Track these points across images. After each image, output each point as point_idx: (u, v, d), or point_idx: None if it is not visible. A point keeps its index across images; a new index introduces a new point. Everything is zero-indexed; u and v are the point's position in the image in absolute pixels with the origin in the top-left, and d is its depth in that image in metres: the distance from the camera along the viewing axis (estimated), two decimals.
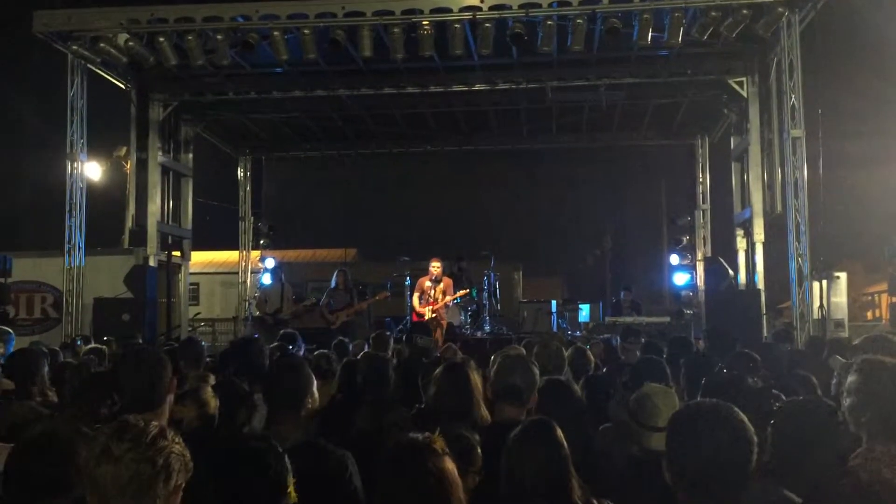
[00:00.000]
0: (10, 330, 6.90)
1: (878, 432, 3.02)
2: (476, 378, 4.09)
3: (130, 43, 12.18)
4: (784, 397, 4.04)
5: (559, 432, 3.03)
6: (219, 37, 12.03)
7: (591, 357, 6.60)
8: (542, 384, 4.11)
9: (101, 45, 12.19)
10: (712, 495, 2.33)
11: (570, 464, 2.97)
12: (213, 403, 3.99)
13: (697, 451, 2.36)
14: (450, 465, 2.34)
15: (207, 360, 6.19)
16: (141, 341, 10.49)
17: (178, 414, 3.77)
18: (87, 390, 4.07)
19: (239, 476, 2.40)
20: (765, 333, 12.08)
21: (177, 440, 2.18)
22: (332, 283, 13.42)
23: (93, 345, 8.10)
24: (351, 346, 8.61)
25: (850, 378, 3.28)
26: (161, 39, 12.10)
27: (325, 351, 7.02)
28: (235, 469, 2.43)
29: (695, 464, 2.36)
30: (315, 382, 3.89)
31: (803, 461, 3.20)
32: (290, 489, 2.46)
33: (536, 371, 4.09)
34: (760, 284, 13.04)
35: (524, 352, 5.50)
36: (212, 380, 4.93)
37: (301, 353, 7.68)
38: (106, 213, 16.08)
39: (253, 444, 2.54)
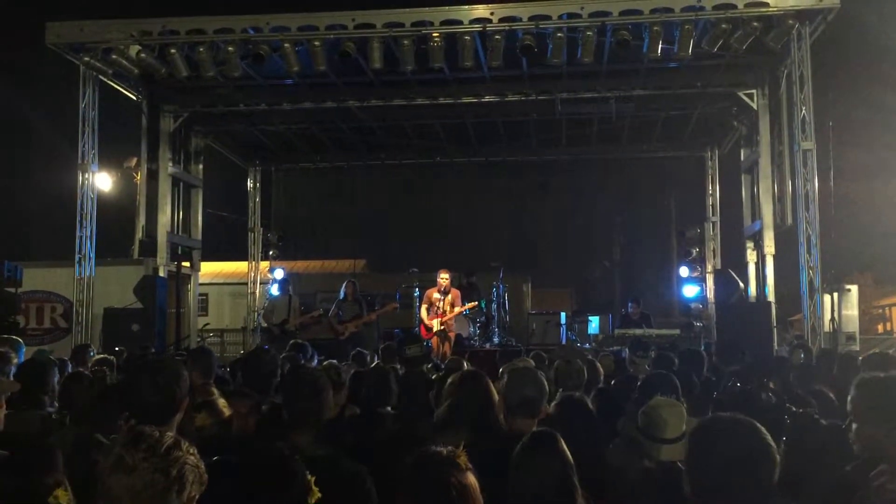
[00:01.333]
0: (19, 339, 6.91)
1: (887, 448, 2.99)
2: (492, 387, 4.08)
3: (142, 54, 12.26)
4: (794, 410, 4.01)
5: (563, 445, 3.03)
6: (230, 49, 12.11)
7: (601, 370, 6.56)
8: (559, 400, 4.09)
9: (113, 56, 12.28)
10: None
11: (576, 476, 2.96)
12: (228, 413, 3.99)
13: (718, 465, 2.34)
14: (472, 480, 2.32)
15: (220, 370, 6.17)
16: (154, 352, 10.51)
17: (197, 422, 3.78)
18: (104, 403, 4.06)
19: (267, 486, 2.40)
20: (775, 346, 12.02)
21: (191, 451, 2.17)
22: (341, 294, 13.41)
23: (101, 355, 8.10)
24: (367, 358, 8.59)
25: (851, 396, 3.26)
26: (172, 51, 12.19)
27: (334, 361, 6.99)
28: (265, 479, 2.42)
29: (715, 477, 2.33)
30: (330, 395, 3.88)
31: (815, 475, 3.18)
32: (313, 489, 2.47)
33: (545, 382, 4.08)
34: (771, 297, 12.98)
35: (533, 364, 5.48)
36: (215, 390, 4.92)
37: (314, 363, 7.68)
38: (116, 224, 16.13)
39: (279, 454, 2.54)
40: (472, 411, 3.94)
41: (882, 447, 2.98)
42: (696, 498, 2.40)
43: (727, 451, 2.36)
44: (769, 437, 2.39)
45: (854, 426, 3.19)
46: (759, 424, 2.43)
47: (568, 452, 3.00)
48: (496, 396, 4.05)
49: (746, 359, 7.58)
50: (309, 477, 2.49)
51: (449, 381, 4.36)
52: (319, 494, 2.49)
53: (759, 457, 2.34)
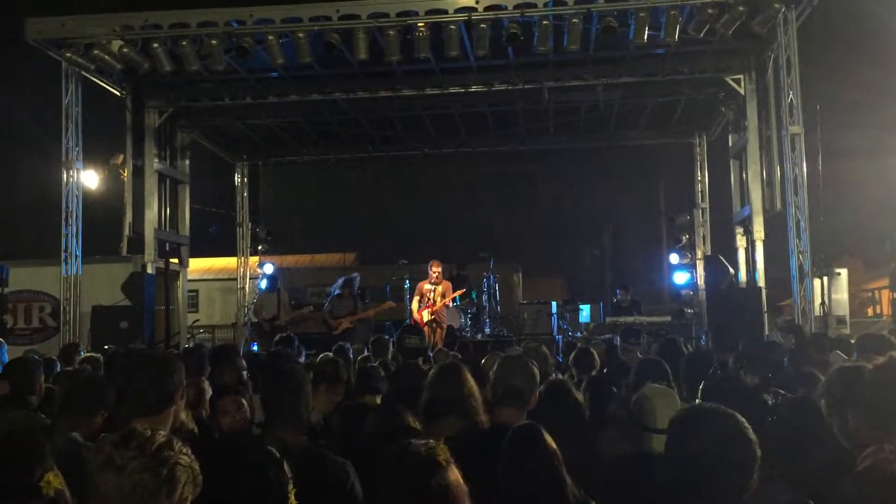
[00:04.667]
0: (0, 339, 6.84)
1: (864, 432, 2.96)
2: (471, 378, 4.05)
3: (125, 49, 12.14)
4: (783, 393, 4.00)
5: (547, 437, 3.01)
6: (213, 42, 11.98)
7: (597, 357, 6.54)
8: (543, 388, 4.06)
9: (95, 51, 12.14)
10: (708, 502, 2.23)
11: (563, 467, 2.93)
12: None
13: (695, 457, 2.25)
14: (454, 476, 2.24)
15: None
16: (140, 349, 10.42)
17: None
18: (81, 397, 4.01)
19: (240, 489, 2.34)
20: (766, 331, 12.03)
21: (184, 451, 2.12)
22: (336, 291, 13.19)
23: (87, 353, 8.04)
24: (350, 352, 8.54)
25: (823, 383, 3.25)
26: (155, 45, 12.05)
27: (333, 355, 6.95)
28: (236, 482, 2.36)
29: (692, 469, 2.25)
30: (310, 388, 3.84)
31: (805, 458, 3.15)
32: (291, 497, 2.42)
33: (537, 371, 4.05)
34: (761, 282, 13.00)
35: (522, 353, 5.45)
36: (207, 386, 4.88)
37: (302, 357, 7.63)
38: (104, 221, 16.04)
39: (254, 456, 2.49)
40: (450, 404, 3.91)
41: (863, 440, 2.94)
42: (672, 490, 2.31)
43: (705, 443, 2.27)
44: (750, 432, 2.30)
45: (836, 421, 3.15)
46: (741, 417, 2.34)
47: (554, 445, 2.97)
48: (475, 388, 4.02)
49: (740, 346, 7.55)
50: (291, 487, 2.44)
51: (428, 374, 4.33)
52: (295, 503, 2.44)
53: (738, 452, 2.25)
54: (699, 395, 4.12)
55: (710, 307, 14.03)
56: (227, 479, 2.31)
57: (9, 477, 2.59)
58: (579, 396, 4.55)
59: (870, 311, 22.45)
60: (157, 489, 2.03)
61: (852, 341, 8.18)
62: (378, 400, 5.04)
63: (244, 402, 4.34)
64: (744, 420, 2.32)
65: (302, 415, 3.60)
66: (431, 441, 2.30)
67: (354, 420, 4.64)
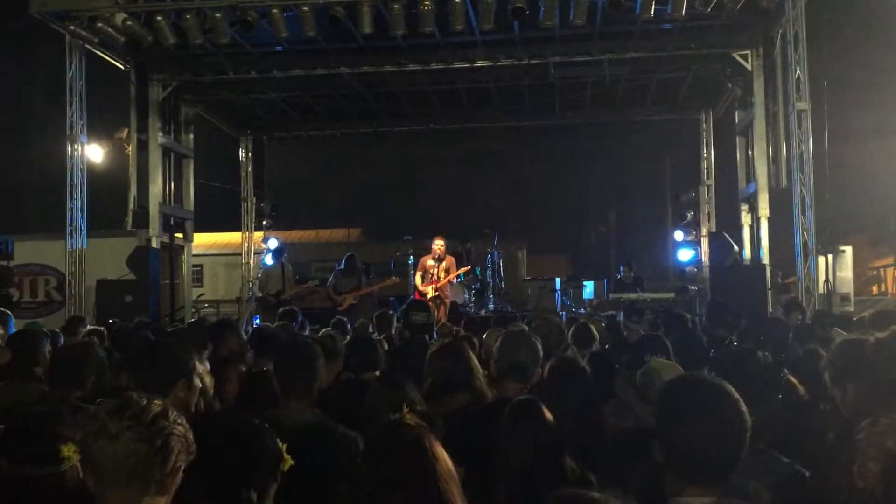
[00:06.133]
0: (7, 311, 6.87)
1: (863, 405, 2.97)
2: (472, 354, 4.08)
3: (128, 22, 12.06)
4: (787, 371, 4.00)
5: (545, 412, 3.02)
6: (217, 15, 11.90)
7: (595, 333, 6.54)
8: (554, 363, 4.07)
9: (99, 24, 12.07)
10: (700, 475, 2.21)
11: (561, 442, 2.94)
12: (208, 380, 3.97)
13: (686, 428, 2.23)
14: (437, 452, 2.15)
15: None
16: (147, 322, 10.47)
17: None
18: (66, 367, 4.08)
19: (234, 458, 2.35)
20: (770, 308, 12.04)
21: (179, 421, 2.12)
22: (342, 265, 13.31)
23: (92, 326, 8.08)
24: (354, 325, 8.58)
25: (827, 356, 3.26)
26: (159, 18, 11.98)
27: (330, 330, 6.99)
28: (229, 452, 2.36)
29: (683, 441, 2.22)
30: (322, 361, 3.87)
31: (806, 432, 3.17)
32: (285, 457, 2.43)
33: (540, 347, 4.06)
34: (765, 259, 12.98)
35: (526, 328, 5.47)
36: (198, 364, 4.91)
37: (306, 332, 7.67)
38: (109, 195, 16.04)
39: (243, 425, 2.49)
40: (453, 380, 3.93)
41: (862, 412, 2.95)
42: (664, 461, 2.30)
43: (693, 412, 2.24)
44: (739, 398, 2.26)
45: (836, 392, 3.16)
46: (728, 384, 2.31)
47: (552, 419, 2.98)
48: (476, 364, 4.04)
49: (742, 323, 7.56)
50: (280, 444, 2.44)
51: (429, 351, 4.35)
52: (292, 462, 2.44)
53: (727, 419, 2.22)
54: (707, 368, 4.11)
55: (713, 284, 14.02)
56: (216, 452, 2.30)
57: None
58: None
59: (874, 289, 22.39)
60: (151, 459, 2.04)
61: (854, 319, 8.20)
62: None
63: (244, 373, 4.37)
64: (733, 390, 2.29)
65: (314, 387, 3.63)
66: (402, 414, 2.24)
67: (354, 394, 4.68)
